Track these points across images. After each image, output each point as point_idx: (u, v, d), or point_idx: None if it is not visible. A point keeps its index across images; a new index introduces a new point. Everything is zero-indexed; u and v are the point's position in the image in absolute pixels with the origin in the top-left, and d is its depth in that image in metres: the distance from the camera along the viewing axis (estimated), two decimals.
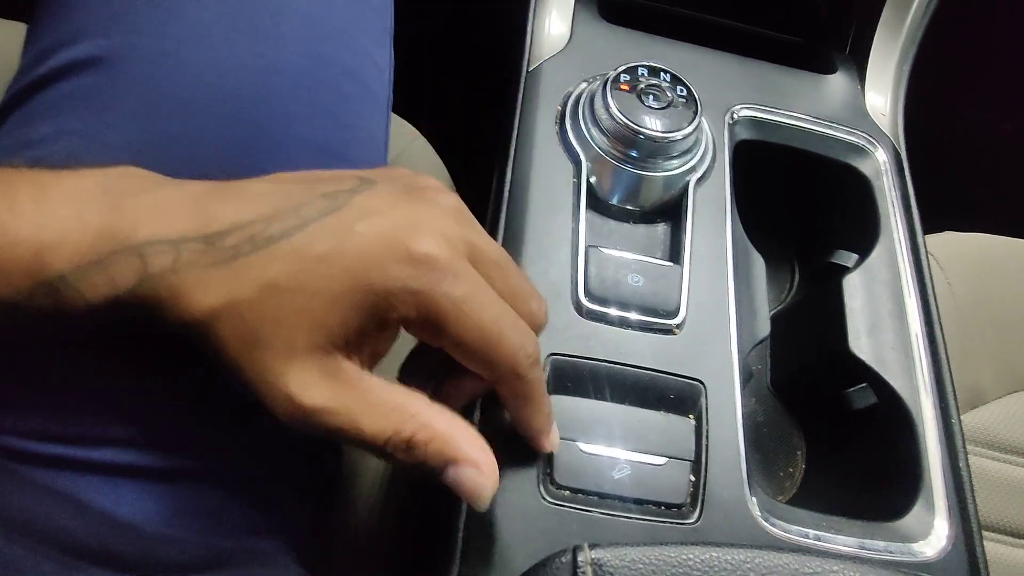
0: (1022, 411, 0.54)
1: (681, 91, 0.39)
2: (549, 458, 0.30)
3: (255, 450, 0.30)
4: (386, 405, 0.24)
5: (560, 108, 0.41)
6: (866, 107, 0.46)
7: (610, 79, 0.38)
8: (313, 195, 0.25)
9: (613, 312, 0.34)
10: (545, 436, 0.29)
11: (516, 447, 0.30)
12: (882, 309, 0.39)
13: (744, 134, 0.43)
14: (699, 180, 0.39)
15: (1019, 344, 0.55)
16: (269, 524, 0.30)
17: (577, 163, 0.39)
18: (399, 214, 0.25)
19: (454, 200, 0.27)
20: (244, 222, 0.24)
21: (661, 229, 0.39)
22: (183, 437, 0.28)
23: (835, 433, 0.42)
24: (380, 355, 0.26)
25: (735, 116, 0.43)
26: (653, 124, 0.37)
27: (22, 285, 0.23)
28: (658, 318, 0.35)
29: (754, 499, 0.32)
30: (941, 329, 0.39)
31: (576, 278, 0.35)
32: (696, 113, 0.38)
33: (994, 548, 0.51)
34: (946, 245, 0.55)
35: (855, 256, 0.42)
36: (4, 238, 0.23)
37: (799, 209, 0.47)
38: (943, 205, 0.56)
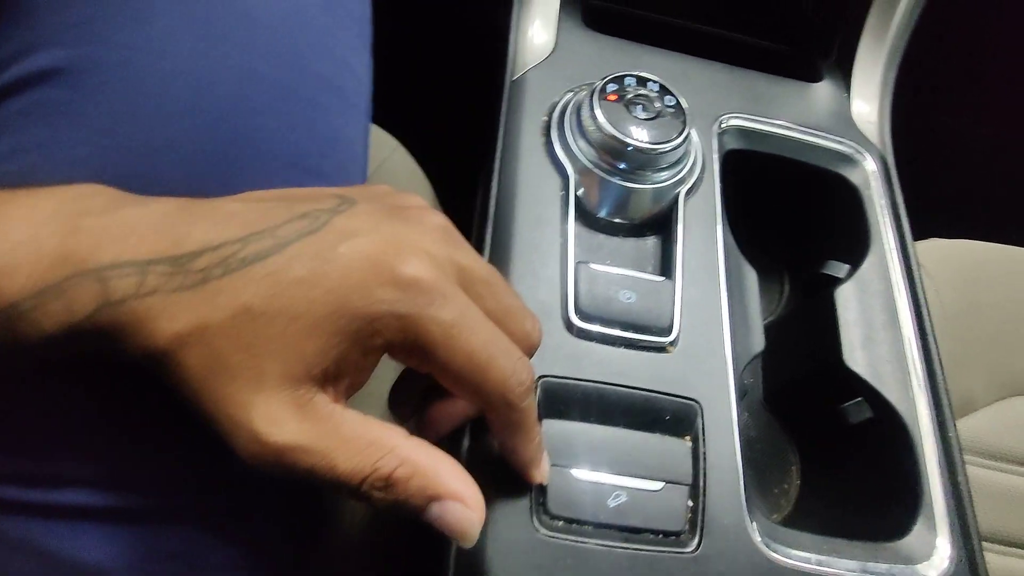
0: (1013, 418, 0.54)
1: (669, 101, 0.38)
2: (542, 487, 0.29)
3: (227, 483, 0.28)
4: (362, 440, 0.22)
5: (546, 118, 0.40)
6: (852, 115, 0.46)
7: (597, 89, 0.37)
8: (290, 215, 0.23)
9: (605, 330, 0.33)
10: (535, 467, 0.28)
11: (507, 476, 0.28)
12: (875, 321, 0.39)
13: (733, 144, 0.43)
14: (689, 191, 0.38)
15: (1008, 350, 0.55)
16: (246, 562, 0.29)
17: (564, 176, 0.37)
18: (383, 235, 0.23)
19: (440, 219, 0.26)
20: (215, 243, 0.22)
21: (651, 242, 0.38)
22: (149, 473, 0.26)
23: (830, 448, 0.41)
24: (356, 387, 0.24)
25: (723, 126, 0.42)
26: (641, 135, 0.36)
27: None
28: (651, 336, 0.34)
29: (754, 524, 0.31)
30: (935, 340, 0.39)
31: (566, 296, 0.34)
32: (685, 124, 0.37)
33: (988, 558, 0.50)
34: (933, 252, 0.55)
35: (846, 267, 0.42)
36: None
37: (789, 219, 0.47)
38: (927, 211, 0.55)
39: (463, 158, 0.45)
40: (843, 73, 0.48)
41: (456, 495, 0.23)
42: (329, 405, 0.22)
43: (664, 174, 0.38)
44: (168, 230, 0.22)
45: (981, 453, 0.52)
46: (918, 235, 0.53)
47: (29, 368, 0.24)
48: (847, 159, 0.44)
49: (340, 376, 0.23)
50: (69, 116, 0.29)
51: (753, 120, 0.43)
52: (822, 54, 0.50)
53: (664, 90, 0.38)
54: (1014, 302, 0.56)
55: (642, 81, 0.38)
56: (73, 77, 0.30)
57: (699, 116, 0.41)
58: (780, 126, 0.44)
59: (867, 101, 0.46)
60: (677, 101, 0.38)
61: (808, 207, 0.46)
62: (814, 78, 0.48)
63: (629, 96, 0.37)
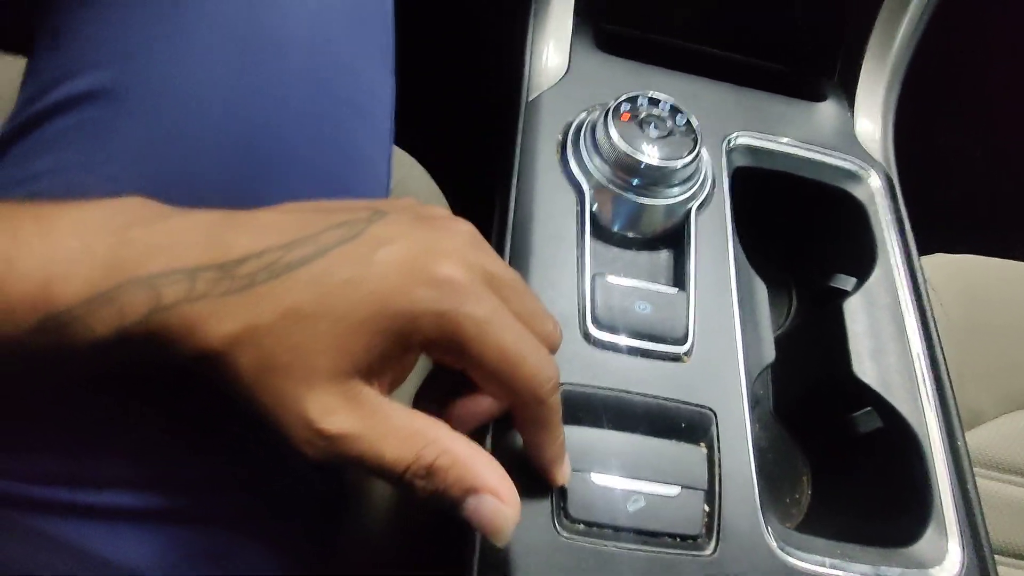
0: (1020, 430, 0.54)
1: (680, 120, 0.39)
2: (562, 491, 0.30)
3: (257, 486, 0.29)
4: (407, 430, 0.24)
5: (561, 137, 0.41)
6: (856, 133, 0.47)
7: (611, 108, 0.39)
8: (328, 224, 0.25)
9: (621, 340, 0.34)
10: (558, 466, 0.28)
11: (528, 480, 0.29)
12: (883, 332, 0.39)
13: (741, 161, 0.44)
14: (700, 207, 0.40)
15: (1012, 364, 0.55)
16: (275, 562, 0.29)
17: (580, 192, 0.39)
18: (416, 240, 0.25)
19: (467, 226, 0.27)
20: (259, 250, 0.24)
21: (664, 255, 0.40)
22: (182, 475, 0.28)
23: (840, 457, 0.41)
24: (398, 382, 0.26)
25: (732, 144, 0.44)
26: (654, 153, 0.38)
27: (26, 321, 0.22)
28: (666, 345, 0.35)
29: (769, 528, 0.31)
30: (942, 351, 0.39)
31: (583, 307, 0.35)
32: (696, 142, 0.39)
33: (999, 571, 0.51)
34: (938, 267, 0.56)
35: (854, 280, 0.43)
36: (9, 274, 0.22)
37: (797, 234, 0.48)
38: (933, 226, 0.57)
39: (479, 177, 0.47)
40: (847, 92, 0.49)
41: (492, 489, 0.24)
42: (376, 397, 0.24)
43: (676, 190, 0.39)
44: (213, 239, 0.24)
45: (989, 465, 0.53)
46: (924, 250, 0.54)
47: (76, 376, 0.25)
48: (852, 176, 0.45)
49: (383, 372, 0.24)
50: (109, 136, 0.31)
51: (760, 138, 0.45)
52: (826, 74, 0.51)
53: (675, 110, 0.39)
54: (1018, 317, 0.57)
55: (654, 101, 0.39)
56: (113, 99, 0.32)
57: (709, 134, 0.43)
58: (786, 144, 0.45)
59: (871, 119, 0.48)
60: (688, 120, 0.39)
61: (815, 222, 0.47)
62: (818, 97, 0.49)
63: (642, 115, 0.39)
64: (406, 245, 0.24)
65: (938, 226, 0.59)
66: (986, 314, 0.55)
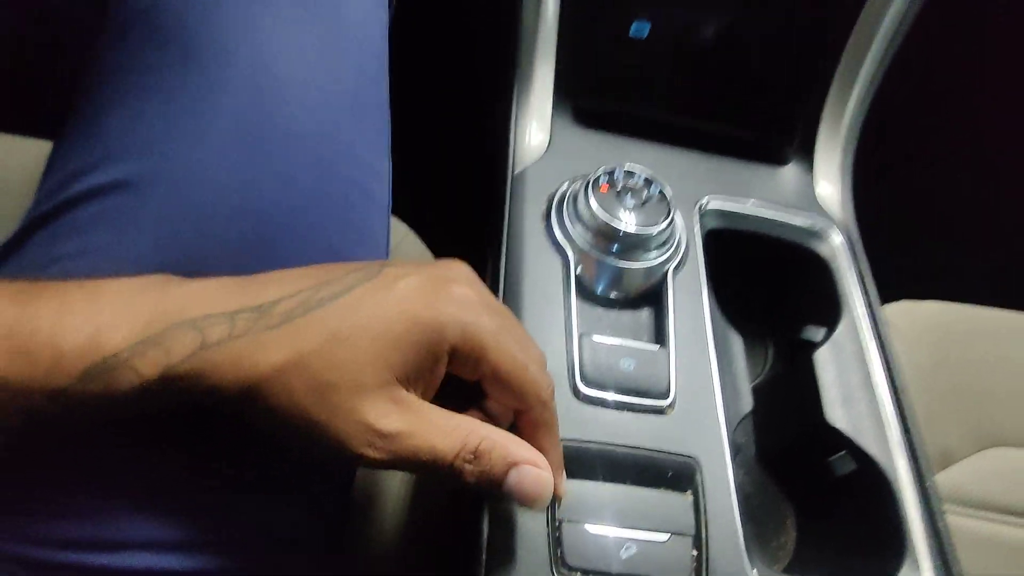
0: (991, 468, 0.57)
1: (654, 189, 0.43)
2: (558, 540, 0.32)
3: (287, 546, 0.31)
4: (450, 425, 0.27)
5: (546, 207, 0.44)
6: (816, 195, 0.51)
7: (590, 181, 0.42)
8: (347, 270, 0.28)
9: (609, 396, 0.37)
10: (560, 474, 0.31)
11: (527, 532, 0.31)
12: (852, 380, 0.42)
13: (713, 223, 0.48)
14: (676, 268, 0.43)
15: (979, 403, 0.58)
16: None
17: (565, 257, 0.42)
18: (428, 273, 0.28)
19: (465, 266, 0.30)
20: (291, 293, 0.26)
21: (646, 314, 0.43)
22: (210, 537, 0.29)
23: (822, 500, 0.44)
24: (432, 392, 0.28)
25: (704, 208, 0.48)
26: (631, 221, 0.41)
27: (75, 369, 0.24)
28: (650, 399, 0.37)
29: (754, 570, 0.33)
30: (908, 396, 0.42)
31: (572, 365, 0.38)
32: (669, 209, 0.42)
33: None
34: (903, 314, 0.59)
35: (823, 331, 0.46)
36: (59, 328, 0.24)
37: (768, 289, 0.51)
38: (898, 275, 0.60)
39: (469, 244, 0.50)
40: (806, 157, 0.54)
41: (531, 460, 0.28)
42: (418, 401, 0.27)
43: (653, 254, 0.42)
44: (245, 288, 0.27)
45: (964, 503, 0.55)
46: (888, 298, 0.58)
47: (117, 420, 0.27)
48: (815, 234, 0.49)
49: (419, 381, 0.27)
50: (132, 221, 0.34)
51: (729, 202, 0.48)
52: (787, 140, 0.56)
53: (649, 180, 0.43)
54: (982, 357, 0.60)
55: (630, 173, 0.43)
56: (136, 188, 0.35)
57: (682, 200, 0.47)
58: (753, 206, 0.49)
59: (829, 182, 0.52)
60: (661, 189, 0.43)
61: (784, 278, 0.50)
62: (781, 161, 0.53)
63: (619, 186, 0.42)
64: (420, 276, 0.28)
65: (903, 274, 0.63)
66: (951, 356, 0.58)
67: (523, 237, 0.43)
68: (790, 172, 0.53)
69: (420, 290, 0.27)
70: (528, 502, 0.28)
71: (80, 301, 0.25)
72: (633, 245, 0.41)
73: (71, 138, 0.38)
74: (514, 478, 0.27)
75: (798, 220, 0.49)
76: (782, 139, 0.56)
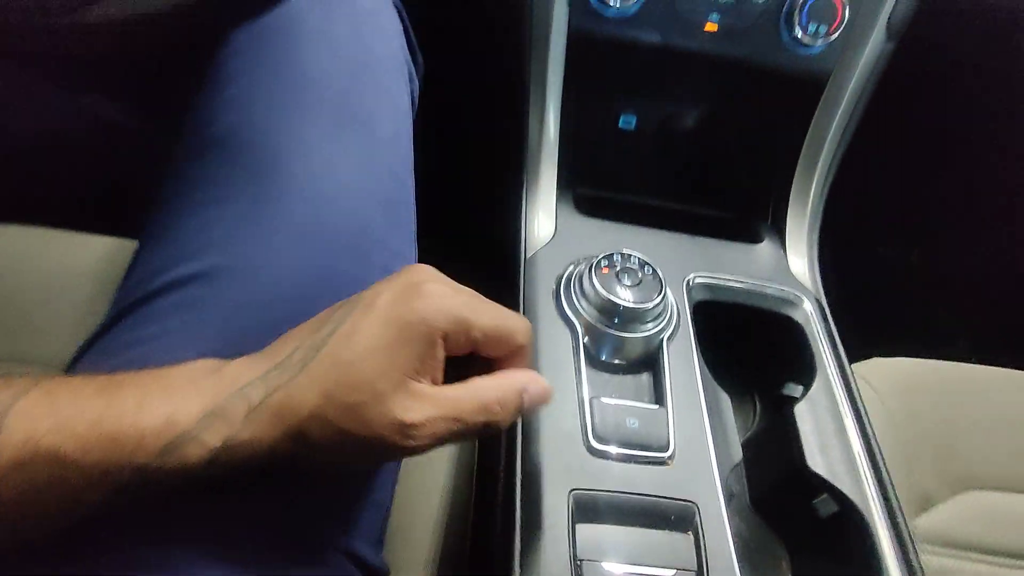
0: (969, 509, 0.62)
1: (648, 270, 0.50)
2: None
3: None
4: (465, 393, 0.32)
5: (555, 287, 0.51)
6: (789, 268, 0.59)
7: (593, 264, 0.49)
8: (334, 310, 0.33)
9: (617, 450, 0.43)
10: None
11: (550, 571, 0.36)
12: (828, 431, 0.49)
13: (700, 296, 0.55)
14: (670, 337, 0.50)
15: (954, 450, 0.64)
16: None
17: (574, 330, 0.49)
18: (399, 281, 0.33)
19: (426, 267, 0.35)
20: (297, 346, 0.32)
21: (646, 377, 0.49)
22: None
23: (811, 541, 0.49)
24: (440, 373, 0.33)
25: (691, 283, 0.55)
26: (629, 297, 0.48)
27: (154, 447, 0.28)
28: (653, 452, 0.43)
29: None
30: (878, 444, 0.48)
31: (584, 425, 0.44)
32: (662, 286, 0.49)
33: None
34: (876, 369, 0.66)
35: (801, 387, 0.52)
36: (140, 415, 0.29)
37: (754, 352, 0.58)
38: (869, 334, 0.67)
39: None
40: (779, 235, 0.61)
41: (528, 380, 0.34)
42: (431, 387, 0.32)
43: (650, 325, 0.49)
44: (268, 353, 0.32)
45: (946, 544, 0.60)
46: (862, 356, 0.64)
47: (182, 493, 0.31)
48: (789, 303, 0.56)
49: (425, 370, 0.31)
50: (203, 308, 0.40)
51: (714, 277, 0.56)
52: (761, 220, 0.64)
53: (643, 262, 0.50)
54: (952, 407, 0.66)
55: (626, 256, 0.50)
56: (208, 281, 0.41)
57: (672, 277, 0.54)
58: (735, 280, 0.56)
59: (799, 257, 0.59)
60: (654, 270, 0.50)
61: (765, 342, 0.57)
62: (757, 239, 0.61)
63: (617, 267, 0.50)
64: (393, 288, 0.32)
65: (874, 333, 0.70)
66: (922, 407, 0.64)
67: (536, 313, 0.50)
68: (766, 249, 0.61)
69: (398, 298, 0.31)
70: (541, 405, 0.34)
71: (155, 389, 0.29)
72: (632, 318, 0.48)
73: (153, 239, 0.45)
74: (526, 399, 0.33)
75: (774, 290, 0.56)
76: (757, 219, 0.64)
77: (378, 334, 0.30)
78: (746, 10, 0.56)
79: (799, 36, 0.55)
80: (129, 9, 0.44)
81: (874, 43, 0.57)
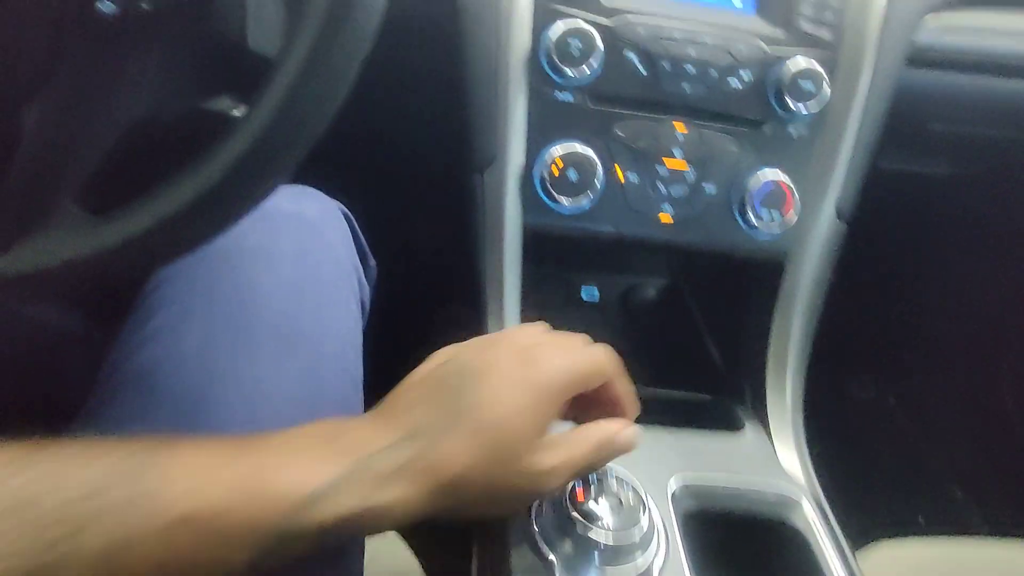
0: None
1: (627, 488, 0.44)
2: None
3: None
4: (577, 438, 0.39)
5: None
6: (778, 459, 0.54)
7: (565, 495, 0.44)
8: (437, 382, 0.38)
9: None
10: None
11: None
12: None
13: (687, 505, 0.49)
14: (662, 569, 0.43)
15: None
16: None
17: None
18: (510, 345, 0.39)
19: (528, 326, 0.43)
20: (425, 416, 0.35)
21: None
22: None
23: None
24: (560, 416, 0.40)
25: (674, 490, 0.49)
26: (611, 525, 0.42)
27: (289, 510, 0.31)
28: None
29: None
30: None
31: None
32: (644, 505, 0.43)
33: None
34: (883, 560, 0.60)
35: None
36: (279, 474, 0.31)
37: (750, 561, 0.52)
38: (870, 514, 0.62)
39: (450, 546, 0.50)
40: (761, 422, 0.58)
41: (623, 425, 0.40)
42: (555, 435, 0.38)
43: (637, 554, 0.43)
44: (389, 423, 0.36)
45: None
46: (868, 540, 0.59)
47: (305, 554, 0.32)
48: (786, 506, 0.51)
49: (550, 420, 0.37)
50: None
51: (698, 479, 0.51)
52: (739, 403, 0.60)
53: (620, 479, 0.45)
54: None
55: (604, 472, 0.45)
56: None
57: (652, 483, 0.48)
58: (721, 481, 0.51)
59: (787, 447, 0.55)
60: (633, 487, 0.44)
61: (765, 549, 0.51)
62: (737, 426, 0.57)
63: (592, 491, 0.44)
64: (506, 352, 0.38)
65: (874, 512, 0.65)
66: None
67: (507, 539, 0.43)
68: (749, 436, 0.56)
69: (517, 364, 0.37)
70: (630, 449, 0.40)
71: (287, 451, 0.33)
72: (616, 554, 0.42)
73: None
74: (619, 441, 0.40)
75: (765, 489, 0.51)
76: (735, 403, 0.60)
77: (516, 398, 0.36)
78: (698, 200, 0.55)
79: (754, 223, 0.55)
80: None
81: (827, 226, 0.57)
